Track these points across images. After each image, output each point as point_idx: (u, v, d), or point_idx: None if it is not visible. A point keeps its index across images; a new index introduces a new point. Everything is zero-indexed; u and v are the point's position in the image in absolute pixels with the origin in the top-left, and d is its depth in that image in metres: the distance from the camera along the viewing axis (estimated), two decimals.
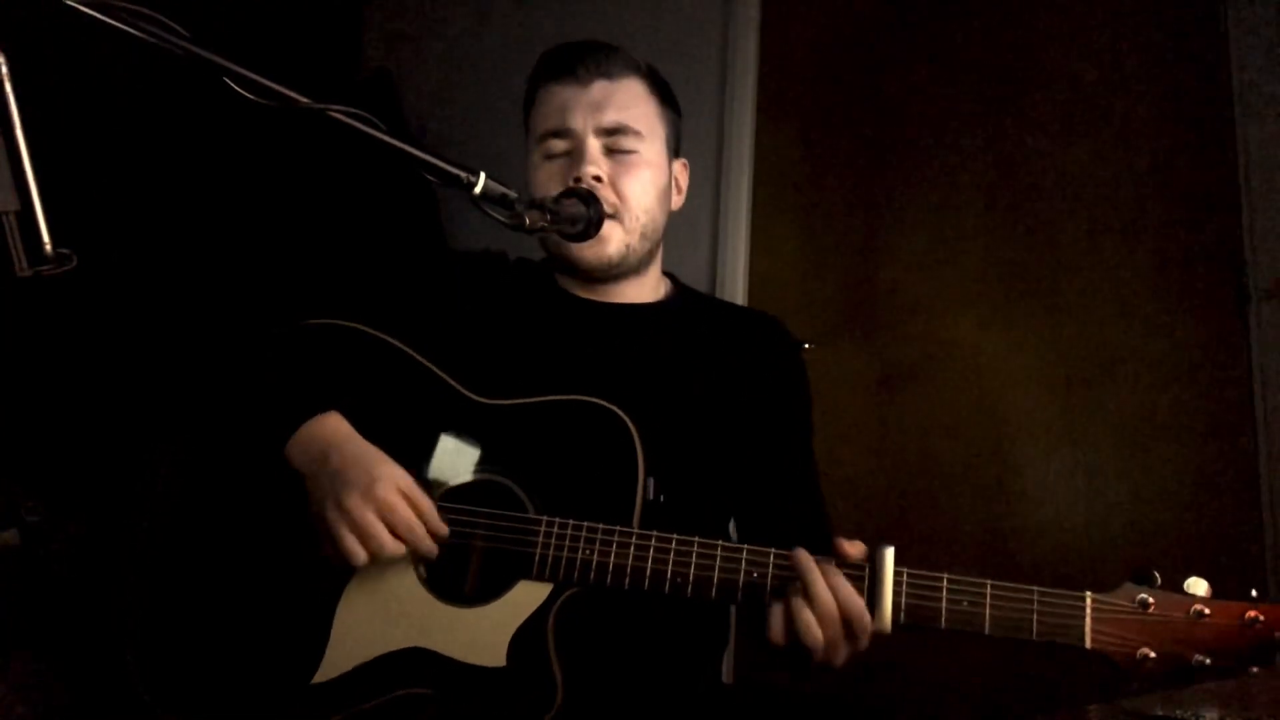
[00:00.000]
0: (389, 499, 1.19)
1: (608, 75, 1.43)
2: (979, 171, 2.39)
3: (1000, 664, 2.08)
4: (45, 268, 0.85)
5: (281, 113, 0.99)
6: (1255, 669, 1.03)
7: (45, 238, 0.86)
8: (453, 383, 1.34)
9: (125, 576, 1.31)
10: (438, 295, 1.48)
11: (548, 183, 1.41)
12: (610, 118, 1.40)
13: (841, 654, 1.15)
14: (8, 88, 0.85)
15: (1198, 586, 1.08)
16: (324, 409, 1.27)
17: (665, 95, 1.50)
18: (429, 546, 1.22)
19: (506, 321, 1.46)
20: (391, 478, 1.21)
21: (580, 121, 1.40)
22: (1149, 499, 2.10)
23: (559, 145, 1.42)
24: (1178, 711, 0.81)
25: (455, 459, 1.29)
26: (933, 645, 2.15)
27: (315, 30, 3.24)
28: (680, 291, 1.58)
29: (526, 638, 1.19)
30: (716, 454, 1.42)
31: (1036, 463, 2.22)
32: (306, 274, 1.50)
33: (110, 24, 0.91)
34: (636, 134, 1.41)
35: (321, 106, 1.01)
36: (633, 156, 1.41)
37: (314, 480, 1.23)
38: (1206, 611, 1.06)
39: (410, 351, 1.36)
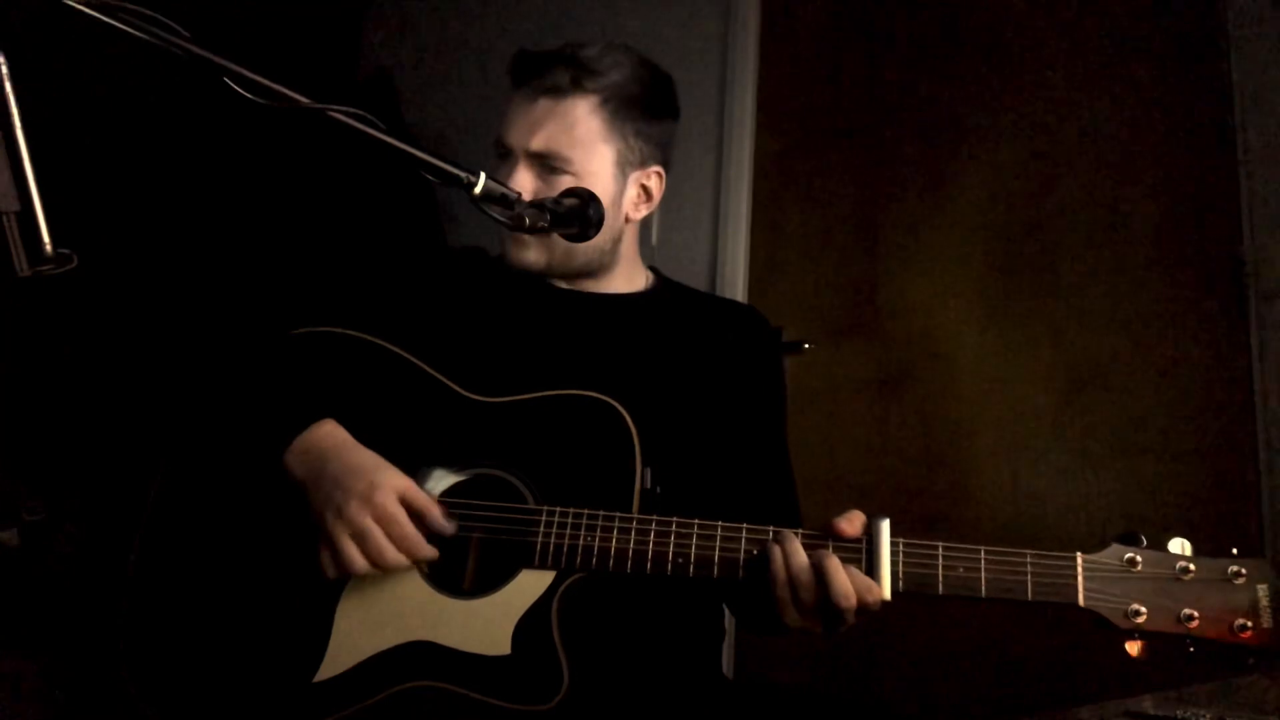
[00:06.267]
0: (389, 508, 1.20)
1: (556, 93, 1.41)
2: (979, 171, 2.39)
3: (1000, 661, 2.09)
4: (45, 268, 0.85)
5: (281, 113, 0.99)
6: (1251, 660, 1.07)
7: (45, 238, 0.86)
8: (447, 381, 1.35)
9: (123, 578, 1.31)
10: (425, 294, 1.51)
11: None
12: (538, 144, 1.41)
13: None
14: (8, 88, 0.85)
15: (1180, 546, 1.14)
16: (319, 417, 1.28)
17: (627, 110, 1.44)
18: (428, 554, 1.22)
19: (494, 316, 1.48)
20: (391, 484, 1.21)
21: (515, 139, 1.42)
22: (1149, 499, 2.10)
23: (502, 154, 1.45)
24: (1178, 712, 0.81)
25: (453, 456, 1.30)
26: (933, 641, 2.16)
27: (315, 30, 3.24)
28: (662, 283, 1.61)
29: (530, 625, 1.20)
30: (702, 442, 1.45)
31: (1036, 463, 2.22)
32: (306, 276, 1.51)
33: (110, 24, 0.91)
34: (566, 159, 1.40)
35: (321, 106, 1.01)
36: (564, 177, 1.40)
37: (314, 488, 1.24)
38: (1191, 568, 1.12)
39: (403, 353, 1.38)
